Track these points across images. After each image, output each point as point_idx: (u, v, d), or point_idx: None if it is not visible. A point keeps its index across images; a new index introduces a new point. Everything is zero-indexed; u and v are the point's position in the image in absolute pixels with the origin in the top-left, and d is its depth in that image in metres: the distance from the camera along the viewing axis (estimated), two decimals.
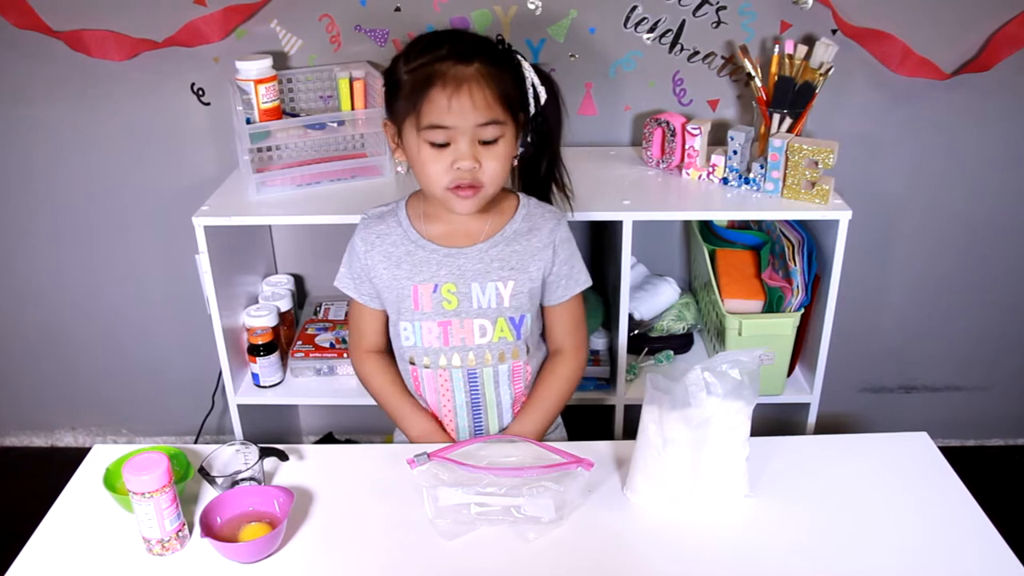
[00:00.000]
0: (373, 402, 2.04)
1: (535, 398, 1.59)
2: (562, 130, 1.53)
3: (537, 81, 1.42)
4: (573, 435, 1.77)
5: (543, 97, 1.44)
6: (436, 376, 1.54)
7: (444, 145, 1.35)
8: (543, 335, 1.63)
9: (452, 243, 1.49)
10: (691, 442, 1.27)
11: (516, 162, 1.47)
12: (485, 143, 1.36)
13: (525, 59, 1.44)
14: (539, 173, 1.56)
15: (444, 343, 1.51)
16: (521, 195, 1.54)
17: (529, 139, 1.48)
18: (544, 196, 1.58)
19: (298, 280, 2.36)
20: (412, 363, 1.55)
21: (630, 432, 2.03)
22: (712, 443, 1.27)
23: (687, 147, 1.97)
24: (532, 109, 1.45)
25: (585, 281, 1.57)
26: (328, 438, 2.50)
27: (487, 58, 1.35)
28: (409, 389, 1.61)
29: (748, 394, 1.25)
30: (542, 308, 1.58)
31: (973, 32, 2.07)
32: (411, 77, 1.34)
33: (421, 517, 1.27)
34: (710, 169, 1.97)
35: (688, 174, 1.99)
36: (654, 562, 1.22)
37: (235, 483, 1.31)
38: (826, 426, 2.05)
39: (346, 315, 2.24)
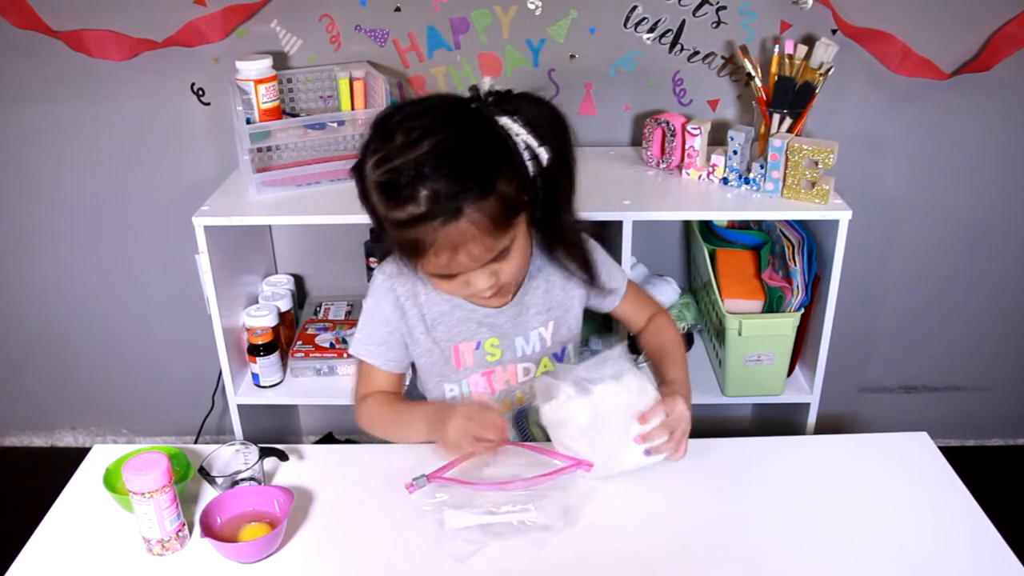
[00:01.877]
0: None
1: (661, 358, 1.49)
2: (574, 170, 1.30)
3: (535, 144, 1.20)
4: None
5: (545, 159, 1.21)
6: None
7: (453, 279, 1.25)
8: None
9: (485, 302, 1.39)
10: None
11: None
12: (497, 262, 1.24)
13: (517, 118, 1.20)
14: (558, 228, 1.34)
15: (491, 391, 1.47)
16: None
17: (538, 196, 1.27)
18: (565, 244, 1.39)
19: (298, 280, 2.36)
20: None
21: None
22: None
23: (687, 147, 1.97)
24: (532, 170, 1.22)
25: (624, 277, 1.52)
26: (328, 438, 2.50)
27: (474, 194, 1.13)
28: None
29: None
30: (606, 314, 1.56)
31: (973, 32, 2.07)
32: (396, 235, 1.18)
33: (421, 515, 1.27)
34: (710, 169, 1.97)
35: (688, 174, 2.00)
36: (659, 562, 1.22)
37: (235, 483, 1.31)
38: (826, 426, 2.05)
39: (347, 314, 2.24)
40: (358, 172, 1.20)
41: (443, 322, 1.41)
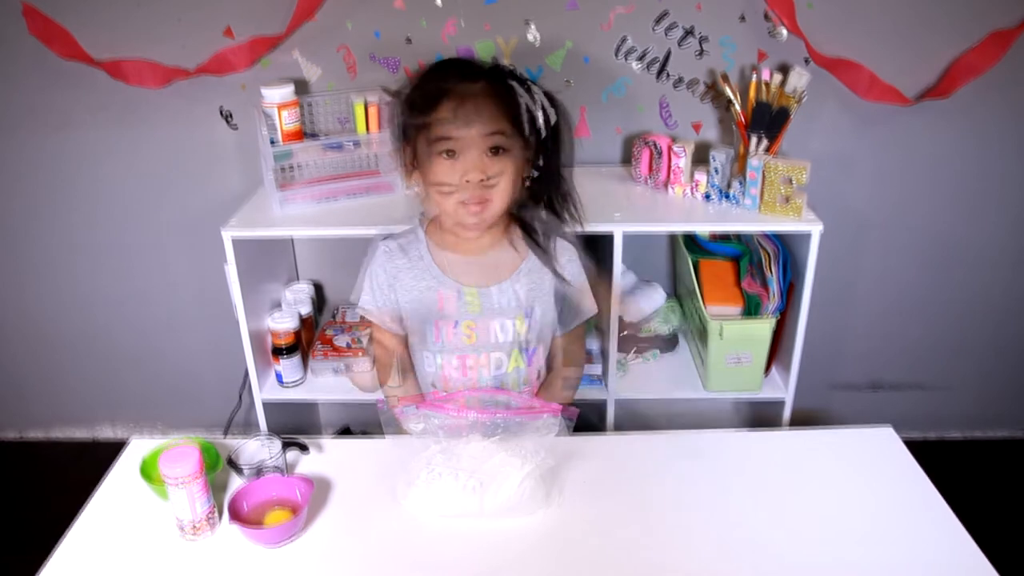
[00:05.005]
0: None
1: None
2: (566, 149, 1.44)
3: (546, 102, 1.36)
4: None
5: (553, 118, 1.36)
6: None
7: (454, 156, 1.33)
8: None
9: (473, 280, 1.45)
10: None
11: (527, 183, 1.42)
12: (492, 155, 1.34)
13: (533, 83, 1.38)
14: (547, 193, 1.47)
15: (463, 375, 1.49)
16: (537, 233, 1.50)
17: (540, 163, 1.41)
18: (555, 214, 1.51)
19: (317, 287, 2.36)
20: (433, 386, 1.53)
21: (620, 424, 2.04)
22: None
23: (673, 166, 1.98)
24: (542, 132, 1.36)
25: (590, 310, 1.56)
26: (345, 431, 2.50)
27: (492, 79, 1.35)
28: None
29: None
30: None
31: (934, 62, 2.08)
32: (421, 95, 1.36)
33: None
34: (693, 186, 1.97)
35: (674, 190, 2.00)
36: (642, 541, 1.22)
37: (260, 473, 1.31)
38: (800, 421, 2.05)
39: (363, 318, 2.24)
40: (399, 94, 1.43)
41: (429, 296, 1.46)
